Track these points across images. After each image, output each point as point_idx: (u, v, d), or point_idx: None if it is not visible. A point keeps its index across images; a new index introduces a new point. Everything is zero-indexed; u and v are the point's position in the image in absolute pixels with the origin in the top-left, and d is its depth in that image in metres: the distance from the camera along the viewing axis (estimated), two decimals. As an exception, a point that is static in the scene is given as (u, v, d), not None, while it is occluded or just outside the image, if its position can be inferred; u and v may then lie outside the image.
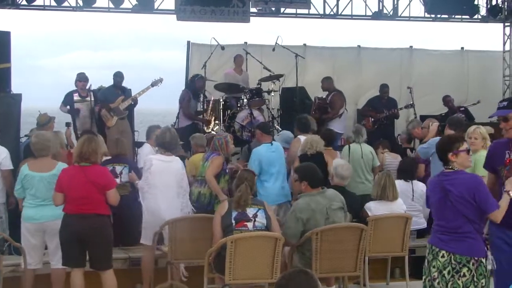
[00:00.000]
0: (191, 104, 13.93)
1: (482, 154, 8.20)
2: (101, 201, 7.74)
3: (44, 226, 8.10)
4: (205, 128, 13.71)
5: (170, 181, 8.69)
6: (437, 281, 5.97)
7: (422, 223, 10.08)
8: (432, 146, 9.70)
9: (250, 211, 7.64)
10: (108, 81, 13.81)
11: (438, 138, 9.98)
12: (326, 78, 14.55)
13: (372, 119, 14.73)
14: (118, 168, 9.81)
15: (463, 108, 15.49)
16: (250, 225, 7.60)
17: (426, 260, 6.12)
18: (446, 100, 15.36)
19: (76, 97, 13.26)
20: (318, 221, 7.76)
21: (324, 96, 14.35)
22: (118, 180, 9.49)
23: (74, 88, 13.43)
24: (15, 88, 12.17)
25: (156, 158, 8.89)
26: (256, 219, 7.62)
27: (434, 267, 5.97)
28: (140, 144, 12.44)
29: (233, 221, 7.59)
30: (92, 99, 13.29)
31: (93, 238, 7.69)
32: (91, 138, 8.04)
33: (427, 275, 6.06)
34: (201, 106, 14.26)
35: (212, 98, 13.85)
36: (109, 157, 10.05)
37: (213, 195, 9.12)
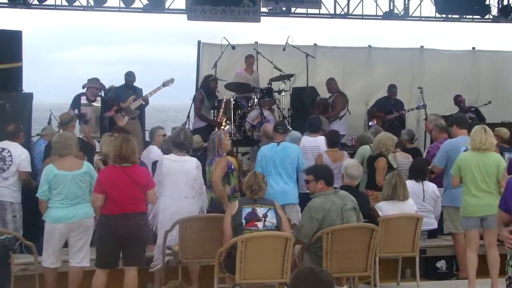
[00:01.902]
0: (205, 105, 13.93)
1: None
2: (142, 200, 7.88)
3: (75, 225, 8.14)
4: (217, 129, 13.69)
5: (179, 181, 8.70)
6: None
7: (433, 224, 10.07)
8: (443, 152, 9.63)
9: (261, 211, 7.66)
10: (118, 76, 13.83)
11: (448, 140, 10.00)
12: (330, 79, 14.58)
13: (382, 120, 14.70)
14: None
15: (473, 109, 15.43)
16: (260, 224, 7.61)
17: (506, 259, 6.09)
18: (458, 100, 15.29)
19: (83, 100, 13.19)
20: (333, 220, 7.78)
21: (327, 97, 14.37)
22: None
23: (82, 89, 13.39)
24: (26, 82, 12.24)
25: (167, 157, 8.90)
26: (266, 219, 7.63)
27: (511, 266, 5.94)
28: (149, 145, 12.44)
29: (243, 221, 7.60)
30: (99, 104, 13.22)
31: (135, 237, 7.78)
32: (128, 138, 8.08)
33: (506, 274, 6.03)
34: (214, 107, 14.22)
35: (225, 99, 13.79)
36: None
37: (216, 200, 9.07)
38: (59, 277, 8.43)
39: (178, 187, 8.68)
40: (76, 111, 13.13)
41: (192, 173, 8.72)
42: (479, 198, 8.45)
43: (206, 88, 14.05)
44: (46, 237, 8.25)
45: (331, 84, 14.52)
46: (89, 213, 8.22)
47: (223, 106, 13.63)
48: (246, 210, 7.68)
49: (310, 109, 14.01)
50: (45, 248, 8.27)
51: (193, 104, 14.06)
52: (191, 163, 8.78)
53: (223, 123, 13.43)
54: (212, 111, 14.22)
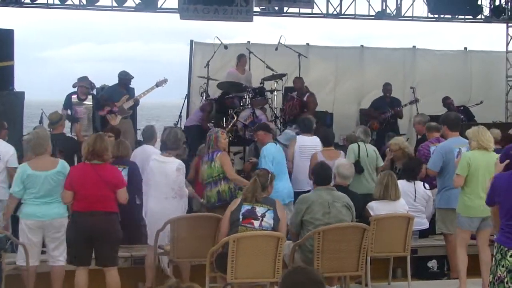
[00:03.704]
0: (211, 115, 13.84)
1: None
2: (112, 199, 7.79)
3: (45, 224, 8.09)
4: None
5: (161, 182, 8.67)
6: (505, 280, 5.85)
7: (424, 224, 10.07)
8: (438, 156, 9.58)
9: (260, 210, 7.65)
10: (111, 73, 13.80)
11: (441, 143, 9.98)
12: (298, 78, 14.54)
13: (378, 120, 14.72)
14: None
15: (462, 108, 15.43)
16: (256, 223, 7.61)
17: (493, 259, 5.99)
18: (447, 102, 15.28)
19: (74, 99, 13.19)
20: (315, 212, 7.89)
21: (297, 96, 14.26)
22: None
23: (73, 88, 13.38)
24: (17, 80, 12.22)
25: (154, 157, 8.94)
26: (264, 219, 7.62)
27: (503, 266, 5.85)
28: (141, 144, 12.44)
29: (241, 217, 7.62)
30: (91, 102, 13.22)
31: (103, 236, 7.71)
32: (102, 136, 8.09)
33: (495, 274, 5.93)
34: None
35: (235, 119, 13.64)
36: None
37: (232, 188, 9.20)
38: (44, 277, 8.39)
39: (160, 188, 8.67)
40: (69, 111, 13.12)
41: (172, 175, 8.65)
42: (483, 198, 8.30)
43: (221, 104, 13.93)
44: (20, 233, 8.19)
45: (301, 82, 14.46)
46: (61, 213, 8.11)
47: (230, 125, 13.50)
48: (246, 207, 7.68)
49: (287, 105, 14.01)
50: (20, 246, 8.24)
51: (201, 112, 13.89)
52: (172, 165, 8.71)
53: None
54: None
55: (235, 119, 13.36)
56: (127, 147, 10.18)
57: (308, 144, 10.91)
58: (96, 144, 7.77)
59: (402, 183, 9.67)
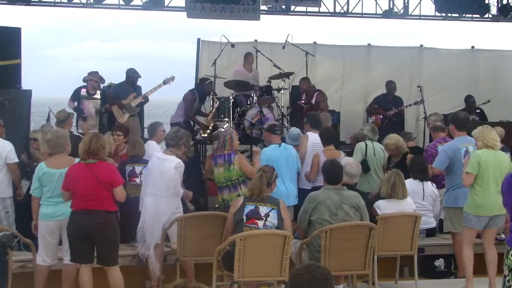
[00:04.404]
0: (194, 105, 13.88)
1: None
2: (108, 197, 7.75)
3: (63, 222, 8.08)
4: (201, 132, 13.50)
5: (158, 179, 8.61)
6: (507, 278, 5.88)
7: (432, 223, 10.07)
8: (445, 156, 9.55)
9: (263, 210, 7.64)
10: (116, 71, 13.79)
11: (448, 143, 9.96)
12: (305, 79, 14.49)
13: (381, 117, 14.69)
14: (138, 168, 9.78)
15: (479, 110, 15.32)
16: (260, 223, 7.60)
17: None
18: (470, 101, 15.11)
19: (83, 93, 13.23)
20: (322, 213, 7.86)
21: (305, 100, 14.23)
22: (138, 180, 9.60)
23: (82, 82, 13.40)
24: (24, 78, 12.24)
25: (155, 154, 8.94)
26: (268, 218, 7.60)
27: (505, 265, 5.90)
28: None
29: (244, 217, 7.61)
30: (99, 97, 13.27)
31: (99, 235, 7.71)
32: (98, 134, 8.11)
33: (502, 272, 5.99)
34: (205, 109, 14.11)
35: (217, 104, 13.65)
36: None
37: None
38: (54, 274, 8.40)
39: (157, 186, 8.61)
40: (76, 103, 13.16)
41: (169, 172, 8.55)
42: (495, 196, 8.30)
43: (200, 91, 13.98)
44: (39, 234, 8.25)
45: (307, 84, 14.41)
46: None
47: (213, 112, 13.47)
48: (249, 207, 7.67)
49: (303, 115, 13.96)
50: (39, 245, 8.27)
51: (183, 102, 13.95)
52: (170, 163, 8.61)
53: (210, 128, 13.20)
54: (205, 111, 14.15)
55: (216, 104, 13.37)
56: (143, 145, 10.17)
57: (318, 141, 10.77)
58: (91, 143, 7.75)
59: (410, 182, 9.66)
